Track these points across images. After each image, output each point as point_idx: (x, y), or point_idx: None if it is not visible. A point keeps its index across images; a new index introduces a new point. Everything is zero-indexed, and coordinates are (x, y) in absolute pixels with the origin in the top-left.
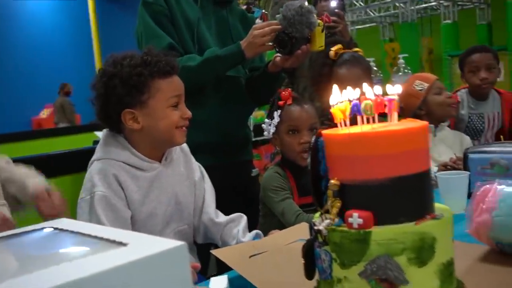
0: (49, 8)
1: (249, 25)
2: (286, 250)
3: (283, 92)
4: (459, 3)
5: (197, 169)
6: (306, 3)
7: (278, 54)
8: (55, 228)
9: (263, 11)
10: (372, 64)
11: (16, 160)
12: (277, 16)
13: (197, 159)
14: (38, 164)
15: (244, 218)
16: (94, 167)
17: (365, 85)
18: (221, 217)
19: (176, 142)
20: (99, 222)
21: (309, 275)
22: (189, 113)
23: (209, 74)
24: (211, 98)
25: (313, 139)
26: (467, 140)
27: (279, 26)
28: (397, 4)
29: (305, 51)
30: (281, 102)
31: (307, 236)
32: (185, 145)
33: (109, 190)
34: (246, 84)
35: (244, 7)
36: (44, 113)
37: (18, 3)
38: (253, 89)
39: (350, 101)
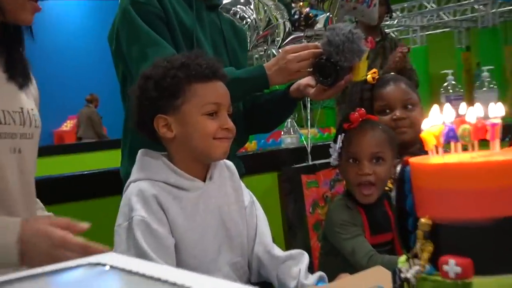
0: (76, 10)
1: (239, 34)
2: None
3: (353, 113)
4: None
5: (247, 192)
6: (354, 28)
7: (309, 83)
8: (103, 265)
9: (329, 14)
10: (450, 77)
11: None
12: (320, 41)
13: None
14: (61, 185)
15: (306, 257)
16: (131, 190)
17: (462, 106)
18: (279, 251)
19: (214, 156)
20: (139, 249)
21: None
22: (230, 124)
23: None
24: None
25: (398, 168)
26: None
27: (319, 50)
28: (475, 7)
29: (347, 81)
30: (346, 125)
31: (385, 282)
32: (231, 164)
33: (150, 214)
34: (246, 107)
35: (306, 9)
36: (67, 125)
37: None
38: (258, 115)
39: (444, 124)
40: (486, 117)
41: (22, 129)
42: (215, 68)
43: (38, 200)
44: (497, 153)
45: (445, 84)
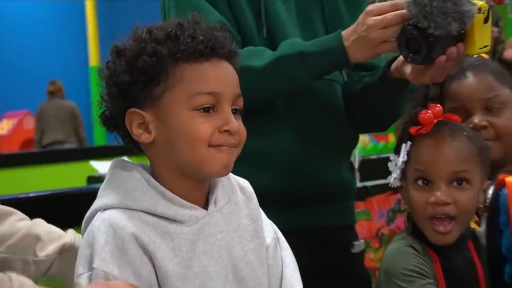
0: None
1: (356, 4)
2: None
3: (425, 112)
4: None
5: (269, 225)
6: None
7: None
8: None
9: None
10: None
11: None
12: (405, 0)
13: None
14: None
15: None
16: (97, 224)
17: None
18: None
19: (208, 170)
20: None
21: None
22: (232, 125)
23: (285, 82)
24: (283, 120)
25: (489, 191)
26: None
27: (408, 13)
28: None
29: (454, 56)
30: (414, 129)
31: None
32: (248, 184)
33: (121, 266)
34: (346, 98)
35: None
36: (3, 128)
37: None
38: (360, 107)
39: None
40: None
41: None
42: (215, 42)
43: None
44: None
45: None
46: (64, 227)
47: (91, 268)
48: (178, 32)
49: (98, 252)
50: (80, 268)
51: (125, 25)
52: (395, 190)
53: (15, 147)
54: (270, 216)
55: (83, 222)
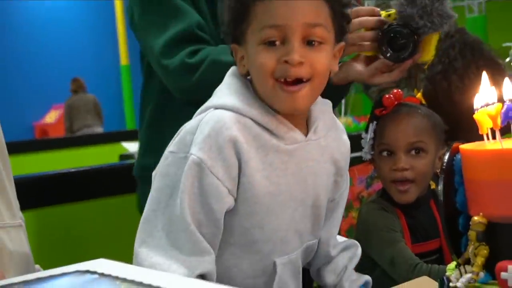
0: None
1: None
2: None
3: (388, 96)
4: None
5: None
6: None
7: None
8: (92, 272)
9: None
10: None
11: (16, 179)
12: (394, 1)
13: None
14: (44, 185)
15: (359, 251)
16: (207, 117)
17: None
18: (334, 248)
19: (278, 107)
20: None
21: None
22: (293, 55)
23: None
24: None
25: (445, 157)
26: None
27: (388, 20)
28: None
29: (414, 61)
30: (378, 111)
31: None
32: (337, 120)
33: (217, 162)
34: None
35: None
36: (51, 117)
37: None
38: None
39: (502, 102)
40: None
41: None
42: None
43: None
44: None
45: (507, 59)
46: (101, 197)
47: (185, 152)
48: None
49: (199, 141)
50: (174, 148)
51: None
52: (368, 161)
53: (61, 132)
54: None
55: (195, 114)
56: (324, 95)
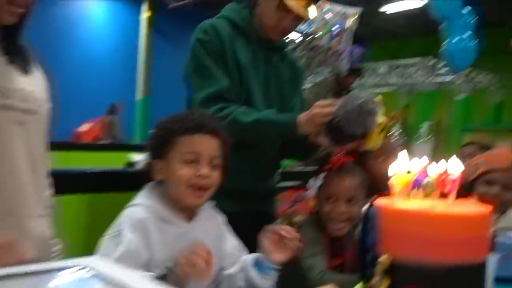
0: (106, 24)
1: (297, 75)
2: None
3: (336, 158)
4: None
5: (232, 239)
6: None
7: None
8: (90, 269)
9: None
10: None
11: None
12: (341, 100)
13: (223, 205)
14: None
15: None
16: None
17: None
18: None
19: (187, 202)
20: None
21: None
22: (204, 172)
23: (257, 136)
24: (252, 151)
25: (364, 208)
26: None
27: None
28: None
29: (356, 147)
30: (327, 167)
31: None
32: (221, 218)
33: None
34: (281, 144)
35: None
36: (85, 128)
37: (78, 20)
38: (286, 147)
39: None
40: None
41: (24, 104)
42: (202, 124)
43: (47, 179)
44: (455, 205)
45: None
46: (112, 191)
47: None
48: (186, 117)
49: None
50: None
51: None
52: (297, 187)
53: (89, 139)
54: (228, 205)
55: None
56: (306, 150)
